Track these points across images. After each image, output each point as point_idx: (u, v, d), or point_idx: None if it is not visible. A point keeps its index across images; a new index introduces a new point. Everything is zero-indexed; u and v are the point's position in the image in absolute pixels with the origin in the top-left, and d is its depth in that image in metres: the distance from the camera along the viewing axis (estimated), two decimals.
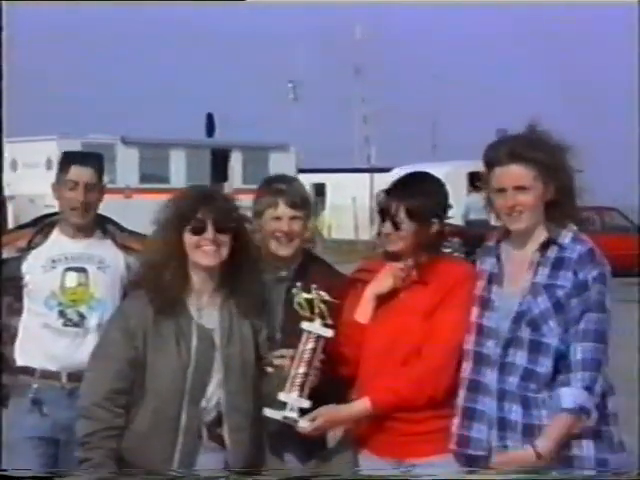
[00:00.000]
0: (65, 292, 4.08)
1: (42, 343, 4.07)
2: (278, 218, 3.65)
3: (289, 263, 3.71)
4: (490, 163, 3.34)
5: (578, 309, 3.20)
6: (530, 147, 3.29)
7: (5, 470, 3.37)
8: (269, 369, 3.38)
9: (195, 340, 3.28)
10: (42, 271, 4.10)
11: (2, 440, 3.98)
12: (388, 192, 3.48)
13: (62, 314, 4.07)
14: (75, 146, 21.45)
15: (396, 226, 3.41)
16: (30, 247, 4.13)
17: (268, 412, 3.28)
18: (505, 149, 3.30)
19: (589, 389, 3.14)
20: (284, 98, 38.76)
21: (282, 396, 3.25)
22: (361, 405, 3.36)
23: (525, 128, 3.36)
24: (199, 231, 3.29)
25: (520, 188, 3.27)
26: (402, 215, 3.41)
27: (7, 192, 25.15)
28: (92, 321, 4.07)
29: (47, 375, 4.07)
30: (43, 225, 4.21)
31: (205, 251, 3.29)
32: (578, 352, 3.17)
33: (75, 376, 3.98)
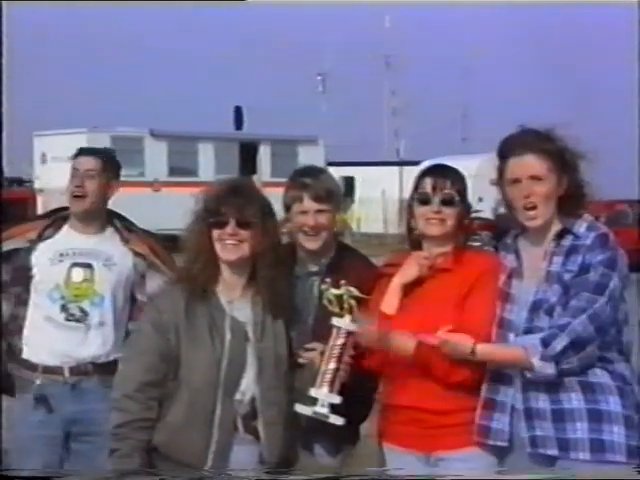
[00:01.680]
0: (69, 287, 4.10)
1: (45, 336, 4.08)
2: (304, 212, 3.65)
3: (320, 257, 3.70)
4: (504, 154, 3.37)
5: (574, 289, 3.23)
6: (544, 139, 3.32)
7: (5, 470, 3.35)
8: (301, 362, 3.40)
9: (229, 333, 3.31)
10: (49, 264, 4.12)
11: (2, 440, 3.98)
12: (425, 174, 3.50)
13: (64, 308, 4.09)
14: (104, 139, 21.56)
15: (448, 203, 3.43)
16: (40, 239, 4.16)
17: (299, 408, 3.30)
18: (519, 140, 3.34)
19: (544, 341, 3.17)
20: (313, 91, 38.79)
21: (313, 392, 3.27)
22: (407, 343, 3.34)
23: (544, 129, 3.37)
24: (221, 225, 3.32)
25: (535, 178, 3.29)
26: (454, 192, 3.45)
27: (37, 185, 25.39)
28: (94, 318, 4.08)
29: (49, 370, 4.07)
30: (56, 218, 4.24)
31: (226, 246, 3.32)
32: (560, 321, 3.21)
33: (77, 370, 4.04)
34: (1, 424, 4.03)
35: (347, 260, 3.70)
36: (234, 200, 3.34)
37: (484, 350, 3.24)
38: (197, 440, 3.26)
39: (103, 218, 4.21)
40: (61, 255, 4.13)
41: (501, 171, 3.39)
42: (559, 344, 3.16)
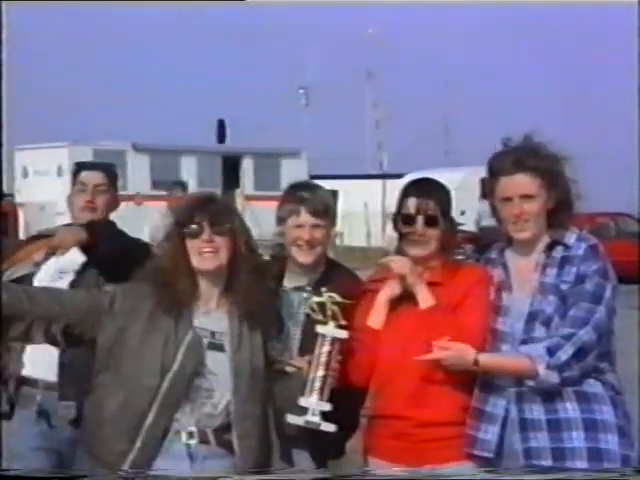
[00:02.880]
0: None
1: (44, 353, 3.95)
2: (300, 226, 3.65)
3: (311, 271, 3.70)
4: (495, 172, 3.40)
5: (572, 299, 3.27)
6: (534, 156, 3.36)
7: (5, 470, 3.33)
8: (288, 370, 3.39)
9: (184, 347, 3.26)
10: (49, 281, 4.04)
11: (2, 442, 3.95)
12: (408, 193, 3.50)
13: None
14: (86, 153, 21.54)
15: (432, 223, 3.43)
16: (46, 259, 4.11)
17: (290, 418, 3.29)
18: (510, 159, 3.37)
19: (549, 350, 3.20)
20: (296, 104, 38.84)
21: (302, 401, 3.26)
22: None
23: (523, 138, 3.42)
24: (196, 234, 3.31)
25: (526, 197, 3.34)
26: (438, 213, 3.44)
27: (18, 199, 25.32)
28: None
29: (50, 386, 4.03)
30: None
31: (204, 255, 3.31)
32: (562, 331, 3.24)
33: None
34: (1, 424, 3.99)
35: (337, 275, 3.71)
36: (207, 208, 3.34)
37: (488, 360, 3.26)
38: (119, 441, 3.21)
39: None
40: (60, 273, 4.08)
41: (491, 188, 3.42)
42: (565, 353, 3.20)
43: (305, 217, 3.65)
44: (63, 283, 4.02)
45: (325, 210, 3.69)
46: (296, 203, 3.68)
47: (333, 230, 3.76)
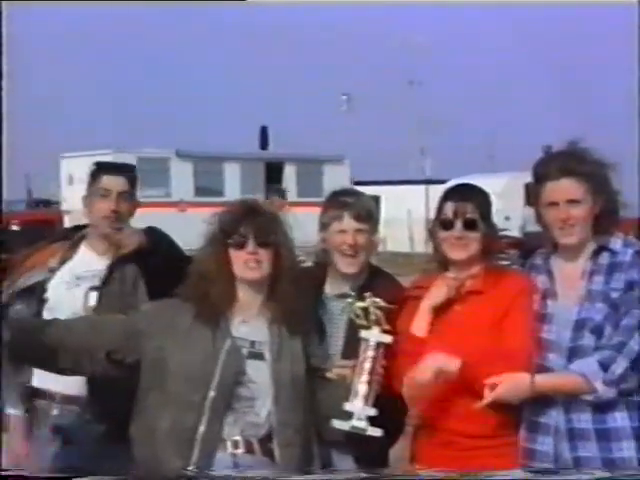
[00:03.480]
0: (87, 312, 3.83)
1: None
2: (343, 231, 3.66)
3: (354, 279, 3.68)
4: (541, 178, 3.39)
5: (623, 307, 3.24)
6: (580, 161, 3.34)
7: (5, 470, 3.26)
8: (330, 377, 3.39)
9: (223, 356, 3.26)
10: (65, 287, 3.93)
11: (2, 440, 3.69)
12: (446, 198, 3.48)
13: None
14: (131, 160, 21.62)
15: (471, 227, 3.41)
16: (62, 264, 3.97)
17: (336, 423, 3.28)
18: (556, 164, 3.35)
19: (602, 365, 3.17)
20: (338, 110, 38.84)
21: (348, 406, 3.26)
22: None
23: (568, 143, 3.41)
24: (241, 245, 3.32)
25: (572, 202, 3.32)
26: (477, 216, 3.42)
27: (64, 207, 25.55)
28: None
29: (68, 400, 3.85)
30: (74, 239, 4.05)
31: (247, 265, 3.32)
32: (613, 340, 3.21)
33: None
34: (1, 425, 3.77)
35: (379, 281, 3.68)
36: (252, 220, 3.35)
37: (542, 384, 3.21)
38: (175, 459, 3.21)
39: None
40: (77, 279, 3.94)
41: (537, 193, 3.40)
42: (619, 367, 3.18)
43: (348, 222, 3.65)
44: (81, 290, 3.92)
45: (368, 215, 3.69)
46: (339, 209, 3.68)
47: (376, 236, 3.76)
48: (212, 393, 3.23)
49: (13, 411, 3.91)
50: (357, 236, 3.64)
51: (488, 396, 3.19)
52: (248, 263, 3.32)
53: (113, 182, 4.02)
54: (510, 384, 3.20)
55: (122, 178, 4.05)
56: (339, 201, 3.71)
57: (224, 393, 3.24)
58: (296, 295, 3.36)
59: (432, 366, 3.23)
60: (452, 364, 3.23)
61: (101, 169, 4.11)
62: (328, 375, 3.41)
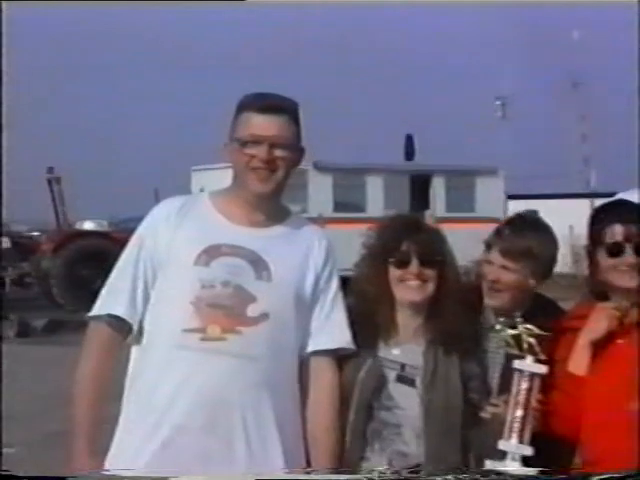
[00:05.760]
0: None
1: None
2: (489, 262, 3.60)
3: (507, 312, 3.59)
4: None
5: None
6: None
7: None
8: (484, 416, 3.35)
9: (362, 374, 3.27)
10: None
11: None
12: (609, 219, 3.39)
13: None
14: None
15: None
16: None
17: (489, 464, 3.23)
18: None
19: None
20: (491, 116, 38.55)
21: (501, 444, 3.21)
22: None
23: None
24: (403, 264, 3.29)
25: None
26: None
27: None
28: None
29: None
30: None
31: (409, 286, 3.30)
32: None
33: None
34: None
35: (538, 309, 3.58)
36: (416, 237, 3.31)
37: None
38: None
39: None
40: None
41: None
42: None
43: (494, 254, 3.58)
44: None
45: (520, 254, 3.55)
46: (494, 236, 3.61)
47: (536, 278, 3.63)
48: (351, 416, 3.25)
49: None
50: (501, 273, 3.56)
51: None
52: (410, 284, 3.28)
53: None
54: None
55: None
56: (499, 228, 3.64)
57: (363, 416, 3.25)
58: (459, 319, 3.32)
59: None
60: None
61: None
62: (482, 415, 3.35)
